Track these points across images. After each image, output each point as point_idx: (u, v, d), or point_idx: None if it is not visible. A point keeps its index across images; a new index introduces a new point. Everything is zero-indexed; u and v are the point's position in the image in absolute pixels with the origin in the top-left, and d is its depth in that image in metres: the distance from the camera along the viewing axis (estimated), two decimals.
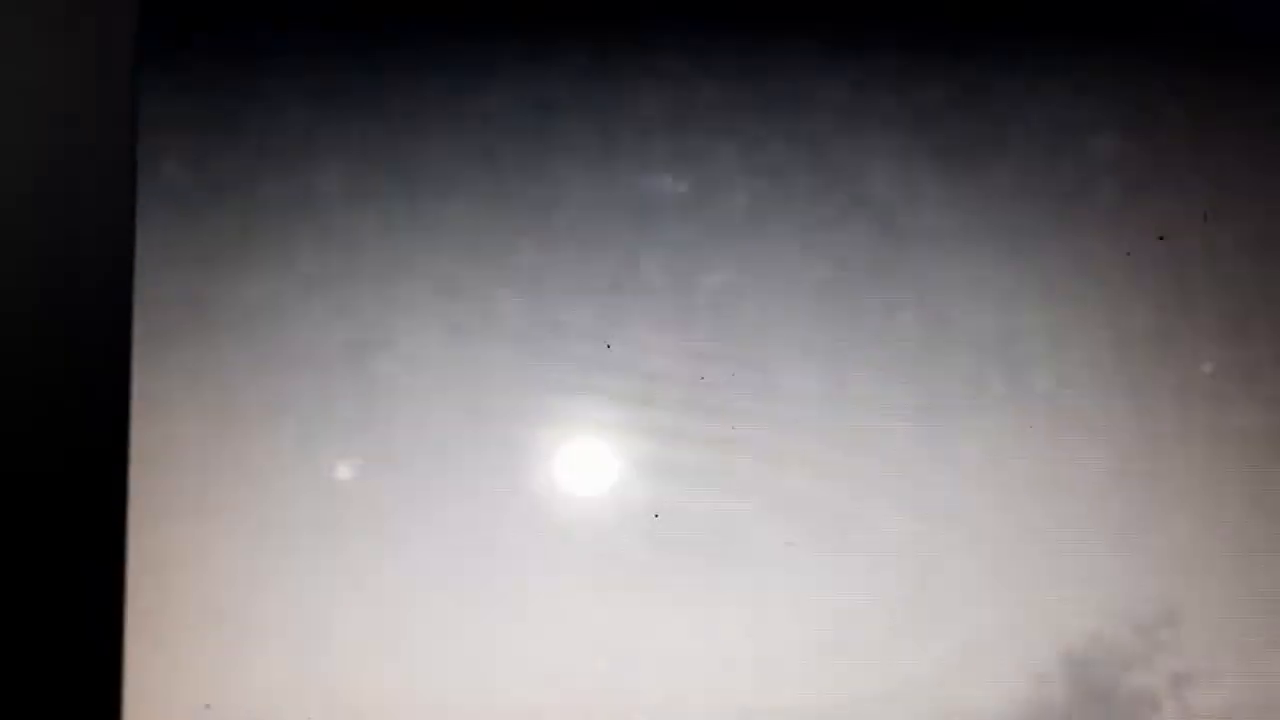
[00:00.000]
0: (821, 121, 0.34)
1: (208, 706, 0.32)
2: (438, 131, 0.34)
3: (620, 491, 0.33)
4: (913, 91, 0.34)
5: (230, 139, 0.34)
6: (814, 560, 0.33)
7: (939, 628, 0.33)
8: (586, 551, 0.33)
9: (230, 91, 0.34)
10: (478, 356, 0.34)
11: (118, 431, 0.33)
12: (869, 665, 0.33)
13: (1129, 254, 0.34)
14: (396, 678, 0.33)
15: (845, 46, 0.34)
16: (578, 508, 0.33)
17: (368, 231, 0.34)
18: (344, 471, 0.33)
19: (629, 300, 0.34)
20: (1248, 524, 0.33)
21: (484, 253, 0.34)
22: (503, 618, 0.33)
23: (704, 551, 0.33)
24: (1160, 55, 0.35)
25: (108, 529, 0.32)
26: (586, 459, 0.34)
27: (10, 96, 0.34)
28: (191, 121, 0.34)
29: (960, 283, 0.34)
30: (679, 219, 0.34)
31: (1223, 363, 0.34)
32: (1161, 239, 0.34)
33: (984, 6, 0.34)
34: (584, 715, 0.33)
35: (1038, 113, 0.35)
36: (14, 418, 0.33)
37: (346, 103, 0.34)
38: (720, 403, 0.34)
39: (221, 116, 0.34)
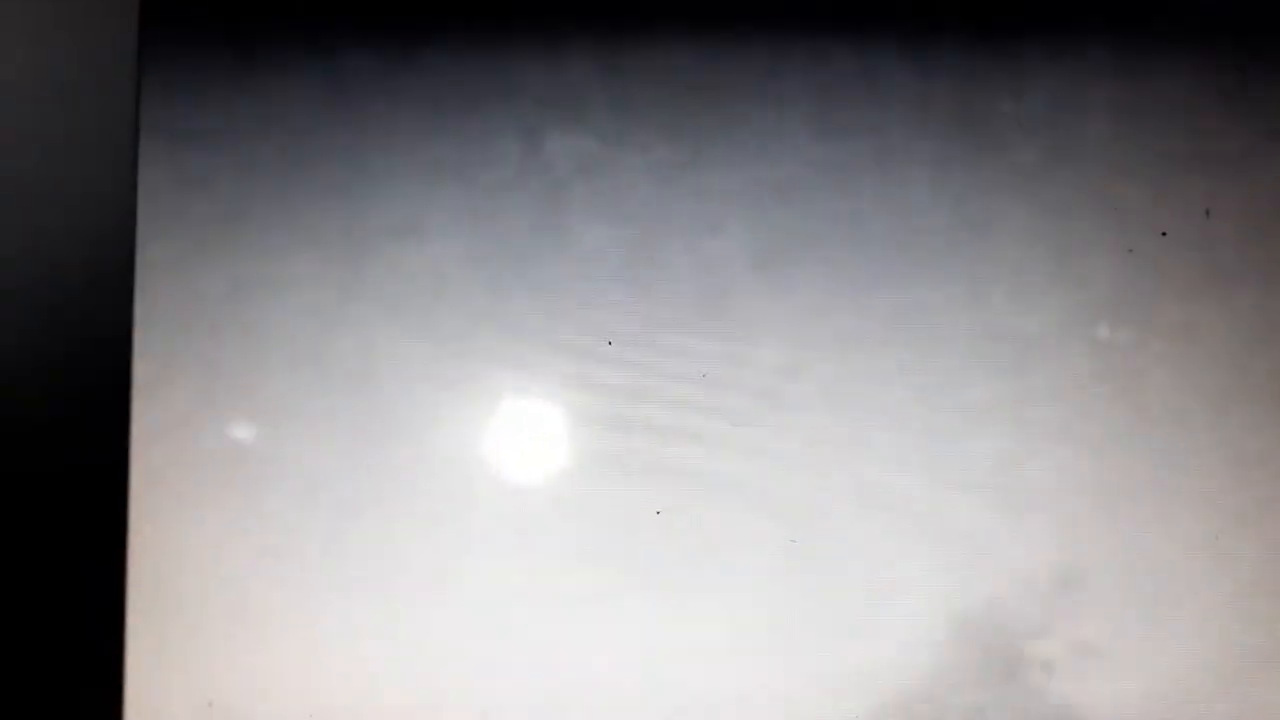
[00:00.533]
0: (833, 115, 0.34)
1: (210, 704, 0.32)
2: (434, 120, 0.34)
3: (612, 482, 0.34)
4: (909, 83, 0.34)
5: (229, 126, 0.34)
6: (701, 529, 0.33)
7: (837, 592, 0.33)
8: (595, 554, 0.33)
9: (230, 79, 0.34)
10: (478, 347, 0.34)
11: (118, 429, 0.33)
12: (768, 629, 0.33)
13: (1131, 251, 0.34)
14: (397, 674, 0.33)
15: (844, 33, 0.34)
16: (588, 510, 0.33)
17: (366, 219, 0.34)
18: (349, 470, 0.33)
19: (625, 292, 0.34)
20: (1146, 493, 0.33)
21: (480, 244, 0.34)
22: (503, 621, 0.33)
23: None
24: (1163, 48, 0.34)
25: (108, 527, 0.32)
26: (578, 452, 0.34)
27: (14, 77, 0.33)
28: (191, 112, 0.34)
29: (960, 275, 0.34)
30: (684, 213, 0.34)
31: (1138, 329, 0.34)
32: (1164, 235, 0.34)
33: None
34: (583, 713, 0.33)
35: (1038, 106, 0.34)
36: (14, 417, 0.32)
37: (345, 92, 0.34)
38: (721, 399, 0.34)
39: (221, 105, 0.34)
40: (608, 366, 0.34)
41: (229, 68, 0.34)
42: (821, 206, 0.34)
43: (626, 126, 0.34)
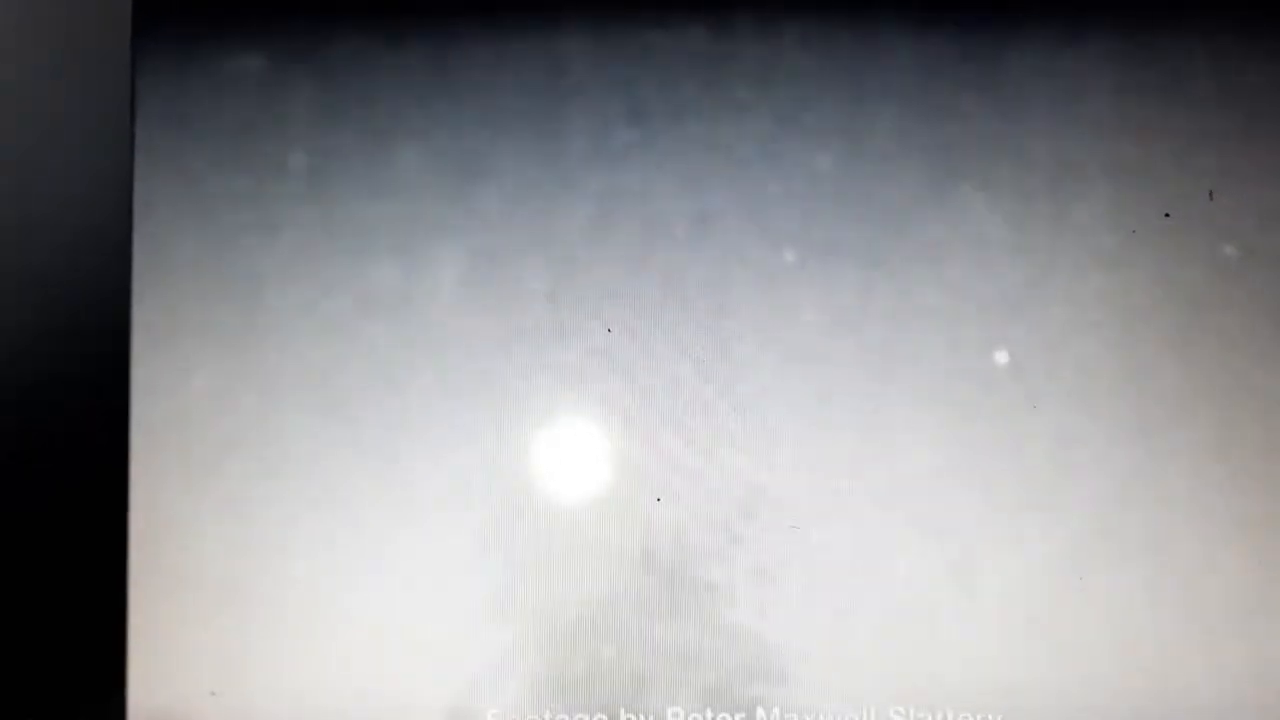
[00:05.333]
0: (834, 100, 0.34)
1: (213, 694, 0.33)
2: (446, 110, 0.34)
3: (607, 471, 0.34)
4: (913, 63, 0.34)
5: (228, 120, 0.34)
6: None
7: (519, 523, 0.33)
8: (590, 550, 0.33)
9: (225, 63, 0.34)
10: (493, 333, 0.34)
11: (117, 416, 0.33)
12: (462, 568, 0.33)
13: (1134, 231, 0.34)
14: (401, 664, 0.33)
15: (849, 13, 0.34)
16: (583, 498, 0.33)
17: (375, 210, 0.34)
18: (355, 456, 0.33)
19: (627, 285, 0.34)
20: (818, 418, 0.33)
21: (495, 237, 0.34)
22: (509, 610, 0.33)
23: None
24: (1169, 29, 0.34)
25: (109, 515, 0.33)
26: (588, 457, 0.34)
27: (12, 58, 0.34)
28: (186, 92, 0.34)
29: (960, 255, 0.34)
30: (690, 200, 0.34)
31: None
32: (1167, 216, 0.34)
33: None
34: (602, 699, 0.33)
35: (1041, 85, 0.34)
36: (13, 404, 0.33)
37: (343, 77, 0.34)
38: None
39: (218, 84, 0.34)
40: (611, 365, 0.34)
41: (224, 51, 0.34)
42: (824, 195, 0.34)
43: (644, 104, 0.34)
